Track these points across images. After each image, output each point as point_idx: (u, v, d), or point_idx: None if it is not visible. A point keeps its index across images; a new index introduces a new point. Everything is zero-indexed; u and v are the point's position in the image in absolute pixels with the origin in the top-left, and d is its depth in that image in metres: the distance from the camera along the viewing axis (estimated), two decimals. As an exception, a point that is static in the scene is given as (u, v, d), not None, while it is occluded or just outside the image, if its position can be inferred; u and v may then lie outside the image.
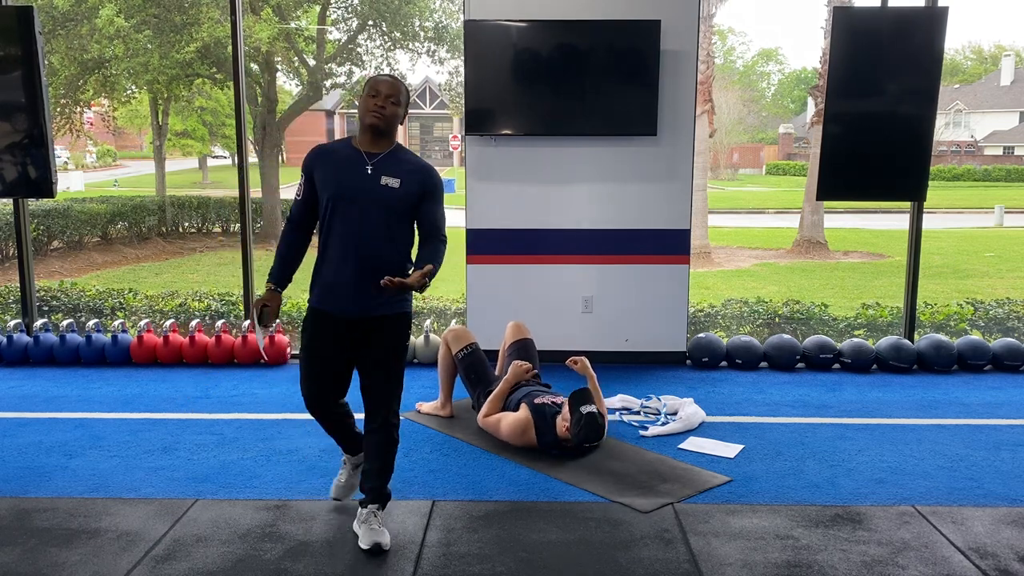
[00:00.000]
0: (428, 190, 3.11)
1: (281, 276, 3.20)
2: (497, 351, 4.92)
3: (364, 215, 3.02)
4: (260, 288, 5.60)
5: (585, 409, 3.89)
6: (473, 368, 4.53)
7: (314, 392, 3.24)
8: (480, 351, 4.60)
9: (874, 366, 5.72)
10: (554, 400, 4.19)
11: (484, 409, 4.30)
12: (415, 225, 3.15)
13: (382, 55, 16.86)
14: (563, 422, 3.99)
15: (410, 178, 3.08)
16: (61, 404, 4.95)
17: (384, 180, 3.03)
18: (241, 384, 5.34)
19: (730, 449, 4.22)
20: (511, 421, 4.12)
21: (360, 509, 3.27)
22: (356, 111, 3.12)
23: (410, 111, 3.21)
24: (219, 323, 5.84)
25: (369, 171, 3.03)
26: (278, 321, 3.21)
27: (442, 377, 4.67)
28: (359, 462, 3.50)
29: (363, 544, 3.16)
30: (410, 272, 3.07)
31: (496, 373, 4.67)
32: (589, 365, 4.39)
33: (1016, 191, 28.75)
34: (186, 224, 16.58)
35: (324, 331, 3.13)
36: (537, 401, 4.15)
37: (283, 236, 3.20)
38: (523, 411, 4.12)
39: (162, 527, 3.35)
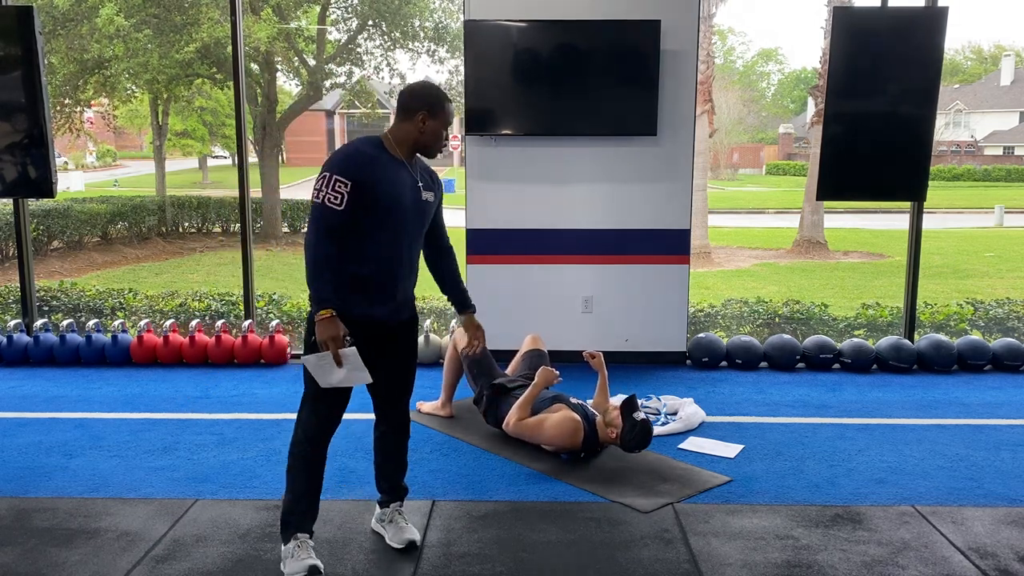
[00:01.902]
0: (441, 199, 3.16)
1: (335, 297, 2.85)
2: (498, 351, 4.91)
3: (410, 228, 2.99)
4: (260, 288, 5.59)
5: (638, 416, 3.87)
6: (478, 363, 4.53)
7: (335, 417, 3.01)
8: (485, 347, 4.60)
9: (874, 366, 5.72)
10: (583, 404, 4.19)
11: (516, 413, 4.20)
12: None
13: (382, 55, 16.86)
14: (610, 428, 3.95)
15: (437, 190, 3.12)
16: (61, 404, 4.95)
17: (424, 195, 3.02)
18: (241, 384, 5.34)
19: (730, 449, 4.22)
20: (559, 422, 4.03)
21: (381, 509, 3.31)
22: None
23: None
24: (219, 323, 5.84)
25: (416, 187, 2.99)
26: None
27: (446, 377, 4.67)
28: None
29: (395, 543, 3.18)
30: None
31: (504, 373, 4.65)
32: (604, 363, 4.39)
33: (1016, 191, 28.75)
34: (186, 224, 16.58)
35: (357, 340, 2.90)
36: (574, 402, 4.15)
37: (326, 252, 2.81)
38: (569, 412, 4.06)
39: (162, 527, 3.35)
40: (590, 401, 4.37)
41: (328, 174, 2.81)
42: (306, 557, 2.95)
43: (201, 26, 14.01)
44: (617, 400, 4.85)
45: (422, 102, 2.93)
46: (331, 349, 2.79)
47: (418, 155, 3.04)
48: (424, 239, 3.15)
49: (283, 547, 3.01)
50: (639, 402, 4.17)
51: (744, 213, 22.52)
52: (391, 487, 3.29)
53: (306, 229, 2.91)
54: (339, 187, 2.79)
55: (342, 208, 2.79)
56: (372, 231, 2.88)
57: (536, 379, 4.26)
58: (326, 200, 2.79)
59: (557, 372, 4.33)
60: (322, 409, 2.98)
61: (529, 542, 3.25)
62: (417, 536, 3.21)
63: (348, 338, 2.83)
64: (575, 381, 4.86)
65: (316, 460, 3.04)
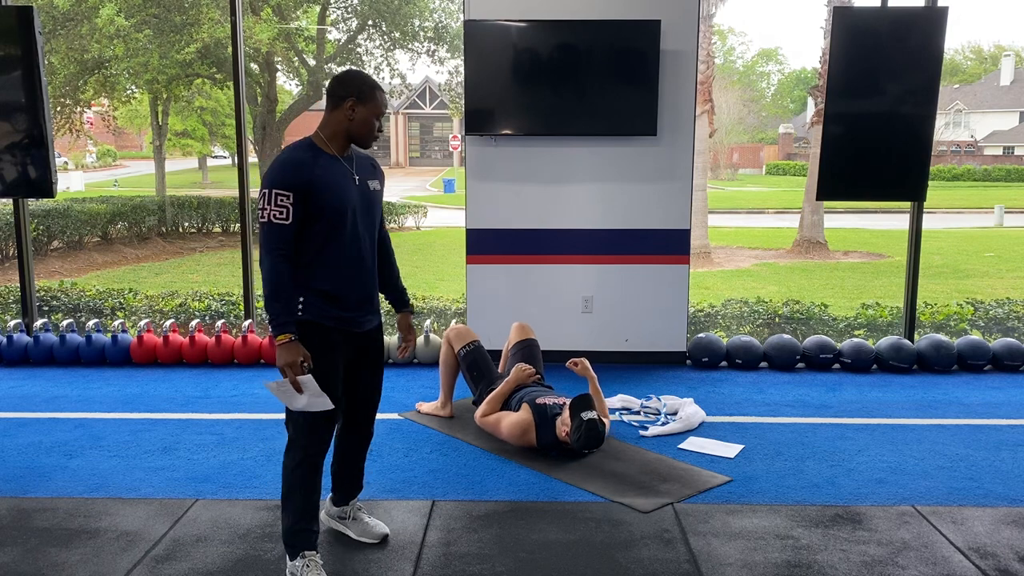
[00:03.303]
0: (384, 185, 3.06)
1: (292, 320, 2.78)
2: (498, 351, 4.92)
3: (363, 225, 2.91)
4: (260, 288, 5.60)
5: (586, 415, 3.86)
6: (476, 365, 4.53)
7: (331, 435, 2.98)
8: (482, 348, 4.60)
9: (874, 366, 5.72)
10: (556, 401, 4.17)
11: (483, 408, 4.29)
12: None
13: (382, 55, 16.87)
14: (563, 426, 3.96)
15: (380, 177, 3.04)
16: (61, 404, 4.95)
17: (370, 185, 2.95)
18: (241, 384, 5.34)
19: (730, 449, 4.22)
20: (512, 421, 4.11)
21: (337, 507, 3.30)
22: (346, 112, 2.82)
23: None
24: (219, 323, 5.84)
25: (357, 180, 2.89)
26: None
27: (443, 376, 4.67)
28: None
29: (371, 539, 3.22)
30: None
31: (499, 372, 4.66)
32: (590, 367, 4.38)
33: (1016, 191, 28.76)
34: (186, 224, 16.59)
35: (336, 348, 2.92)
36: (539, 401, 4.14)
37: (281, 270, 2.74)
38: (524, 411, 4.10)
39: (162, 527, 3.35)
40: None
41: (268, 190, 2.71)
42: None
43: (201, 26, 14.03)
44: (615, 400, 4.86)
45: (350, 89, 2.82)
46: (288, 376, 2.72)
47: (353, 146, 2.93)
48: None
49: (289, 562, 2.95)
50: (595, 401, 4.15)
51: (744, 213, 22.53)
52: (354, 487, 3.28)
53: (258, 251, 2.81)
54: (281, 200, 2.70)
55: (289, 222, 2.71)
56: (328, 239, 2.80)
57: (509, 377, 4.31)
58: (271, 217, 2.70)
59: (532, 370, 4.38)
60: (321, 427, 2.90)
61: (529, 542, 3.25)
62: (387, 528, 3.27)
63: (306, 364, 2.74)
64: (574, 384, 4.86)
65: (316, 479, 2.97)
